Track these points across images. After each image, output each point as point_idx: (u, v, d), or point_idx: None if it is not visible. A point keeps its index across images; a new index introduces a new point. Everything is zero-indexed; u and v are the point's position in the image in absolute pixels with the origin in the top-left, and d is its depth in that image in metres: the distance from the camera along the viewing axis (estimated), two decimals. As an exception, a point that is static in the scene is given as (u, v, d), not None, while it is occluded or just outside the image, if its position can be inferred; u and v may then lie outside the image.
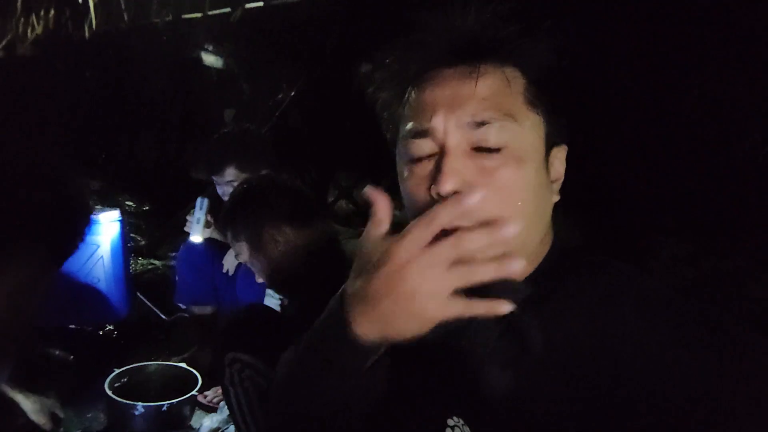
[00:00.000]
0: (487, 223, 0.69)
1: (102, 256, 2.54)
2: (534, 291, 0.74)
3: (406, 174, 0.79)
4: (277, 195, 1.53)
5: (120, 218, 2.56)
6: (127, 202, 3.37)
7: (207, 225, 2.37)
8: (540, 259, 0.80)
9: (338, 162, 3.69)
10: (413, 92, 0.79)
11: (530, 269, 0.79)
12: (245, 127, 2.60)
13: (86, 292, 2.54)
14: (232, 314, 1.94)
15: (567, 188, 0.82)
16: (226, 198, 2.28)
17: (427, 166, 0.76)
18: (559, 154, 0.81)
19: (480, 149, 0.73)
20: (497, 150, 0.73)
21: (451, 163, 0.73)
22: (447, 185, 0.71)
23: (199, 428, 2.05)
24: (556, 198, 0.81)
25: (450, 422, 0.82)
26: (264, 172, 2.17)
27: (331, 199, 3.66)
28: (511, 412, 0.76)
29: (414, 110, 0.78)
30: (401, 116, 0.81)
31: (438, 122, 0.74)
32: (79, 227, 0.98)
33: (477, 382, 0.78)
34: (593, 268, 0.79)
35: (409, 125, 0.78)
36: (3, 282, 0.91)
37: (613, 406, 0.69)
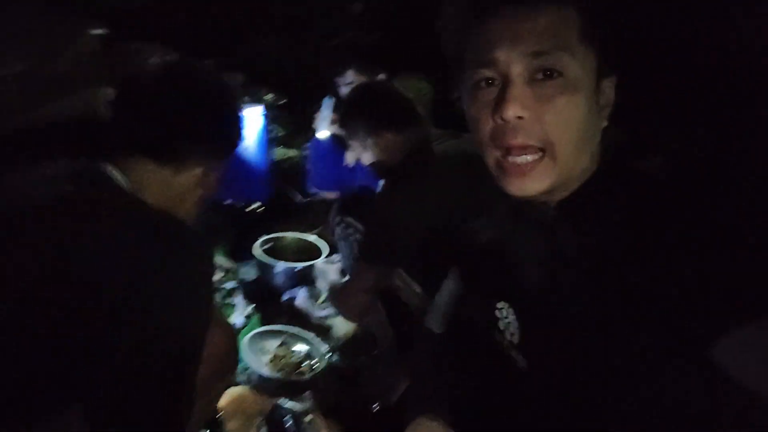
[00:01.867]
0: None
1: (248, 146, 2.98)
2: (574, 206, 0.87)
3: (470, 101, 0.87)
4: (382, 105, 1.86)
5: (264, 113, 2.93)
6: (265, 97, 3.63)
7: (332, 122, 2.73)
8: (585, 178, 0.88)
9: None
10: (477, 27, 0.85)
11: (575, 186, 0.88)
12: (362, 37, 2.87)
13: (237, 174, 2.95)
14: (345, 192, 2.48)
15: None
16: (346, 98, 2.63)
17: (490, 94, 0.83)
18: (609, 83, 0.87)
19: (537, 79, 0.80)
20: (554, 78, 0.80)
21: (513, 91, 0.80)
22: (510, 111, 0.79)
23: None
24: (605, 123, 0.88)
25: (499, 305, 0.99)
26: (379, 77, 2.47)
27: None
28: (545, 300, 0.90)
29: (478, 43, 0.84)
30: (466, 48, 0.87)
31: (501, 53, 0.81)
32: (237, 132, 1.32)
33: (521, 275, 0.94)
34: (630, 189, 0.87)
35: (474, 56, 0.85)
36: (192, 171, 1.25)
37: (626, 314, 0.79)
